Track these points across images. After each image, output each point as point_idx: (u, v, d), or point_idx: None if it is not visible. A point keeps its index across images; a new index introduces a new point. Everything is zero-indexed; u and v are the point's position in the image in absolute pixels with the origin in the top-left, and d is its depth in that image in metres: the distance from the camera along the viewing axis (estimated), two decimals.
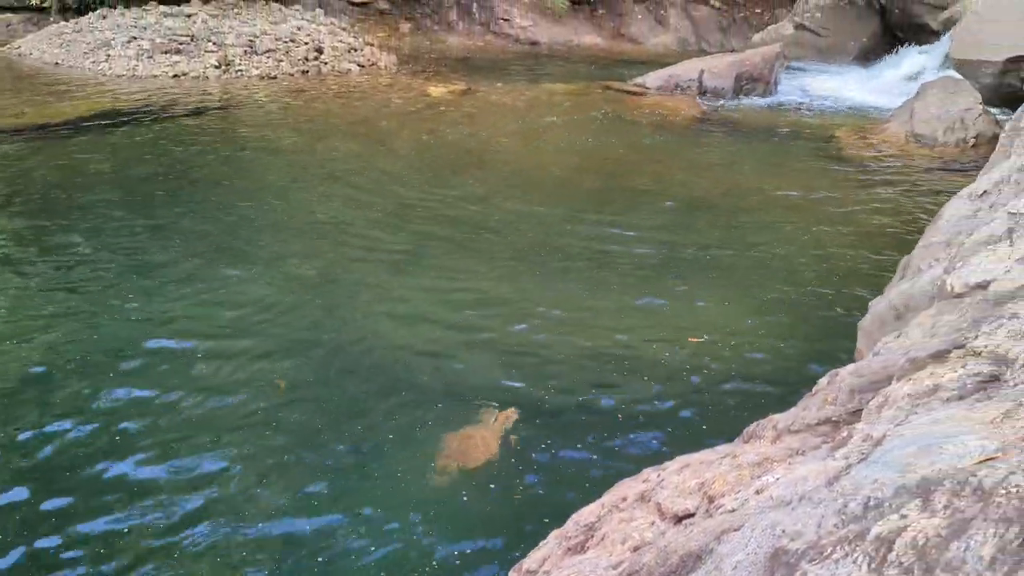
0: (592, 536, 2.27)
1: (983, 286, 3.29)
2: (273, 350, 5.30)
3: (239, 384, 4.90)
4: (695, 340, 5.55)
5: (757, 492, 1.88)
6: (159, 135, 10.55)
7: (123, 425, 4.45)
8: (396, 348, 5.38)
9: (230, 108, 12.23)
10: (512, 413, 4.64)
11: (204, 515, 3.81)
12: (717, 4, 21.86)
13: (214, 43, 15.50)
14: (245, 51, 15.37)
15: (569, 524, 2.39)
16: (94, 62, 14.71)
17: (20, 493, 3.93)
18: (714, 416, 4.69)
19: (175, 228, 7.36)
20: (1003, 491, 1.32)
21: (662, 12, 21.53)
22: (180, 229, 7.34)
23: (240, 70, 14.86)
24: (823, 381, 2.63)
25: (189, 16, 16.89)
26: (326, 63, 15.67)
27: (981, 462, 1.46)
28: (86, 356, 5.15)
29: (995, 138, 9.70)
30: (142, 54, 14.84)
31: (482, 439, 4.41)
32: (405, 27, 20.36)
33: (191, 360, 5.15)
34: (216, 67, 14.75)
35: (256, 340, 5.42)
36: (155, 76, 14.25)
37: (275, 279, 6.38)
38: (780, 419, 2.55)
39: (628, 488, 2.54)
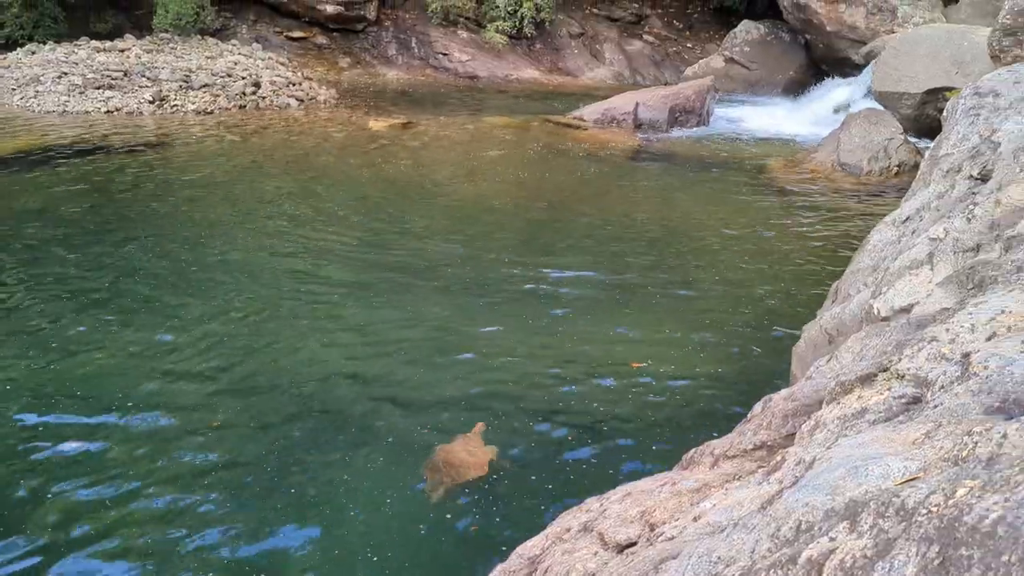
0: (536, 569, 2.28)
1: (907, 310, 3.42)
2: (209, 390, 5.19)
3: (174, 426, 4.78)
4: (637, 365, 5.63)
5: (695, 519, 1.91)
6: (91, 172, 10.33)
7: (55, 460, 4.30)
8: (335, 385, 5.32)
9: (165, 144, 12.05)
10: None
11: (132, 559, 3.70)
12: (650, 39, 22.44)
13: (148, 78, 15.29)
14: (180, 86, 15.19)
15: (512, 558, 2.40)
16: (23, 98, 14.35)
17: None
18: (656, 442, 4.74)
19: (106, 267, 7.18)
20: (924, 511, 1.37)
21: (598, 47, 22.00)
22: (112, 268, 7.17)
23: (176, 105, 14.67)
24: (757, 407, 2.70)
25: (122, 51, 16.65)
26: (264, 98, 15.57)
27: (904, 483, 1.52)
28: (12, 395, 4.97)
29: (916, 166, 10.12)
30: (73, 90, 14.54)
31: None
32: (344, 61, 20.38)
33: (124, 399, 5.01)
34: (151, 102, 14.53)
35: (192, 380, 5.31)
36: (87, 112, 13.97)
37: (211, 317, 6.26)
38: (717, 445, 2.60)
39: (572, 518, 2.55)
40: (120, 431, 4.72)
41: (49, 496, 4.12)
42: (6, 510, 4.01)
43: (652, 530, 2.10)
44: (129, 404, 5.00)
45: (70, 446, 4.56)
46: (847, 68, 16.95)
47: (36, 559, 3.69)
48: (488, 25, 20.78)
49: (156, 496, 4.16)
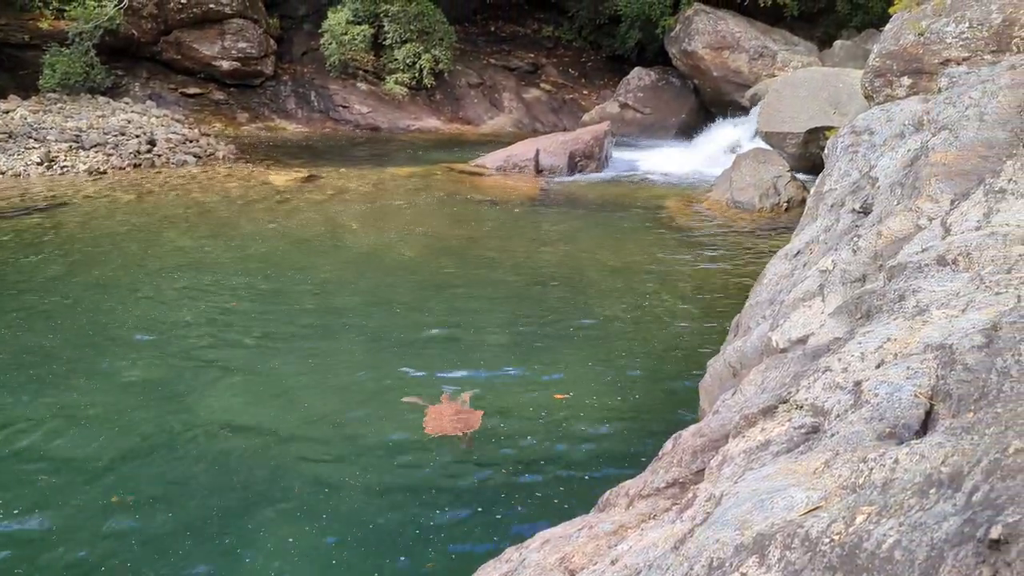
0: None
1: (803, 340, 3.56)
2: (113, 463, 4.95)
3: (73, 503, 4.53)
4: (561, 397, 5.74)
5: (612, 562, 1.93)
6: None
7: None
8: (241, 446, 5.15)
9: (57, 206, 11.57)
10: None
11: None
12: (547, 87, 23.01)
13: (35, 139, 14.71)
14: (71, 146, 14.67)
15: None
16: None
17: None
18: (571, 483, 4.75)
19: None
20: (827, 539, 1.42)
21: (496, 96, 22.41)
22: (2, 339, 6.79)
23: (66, 166, 14.13)
24: (668, 444, 2.75)
25: (6, 112, 15.97)
26: (160, 156, 15.17)
27: (807, 512, 1.58)
28: None
29: (804, 201, 10.62)
30: None
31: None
32: (242, 116, 20.11)
33: (29, 479, 4.72)
34: (39, 164, 13.96)
35: (95, 455, 5.05)
36: None
37: (108, 383, 5.99)
38: (631, 485, 2.63)
39: (492, 570, 2.53)
40: (10, 501, 4.44)
41: None
42: None
43: None
44: (18, 475, 4.71)
45: None
46: (735, 110, 17.77)
47: None
48: (387, 77, 20.91)
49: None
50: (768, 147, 13.23)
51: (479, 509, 4.54)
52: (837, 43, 18.40)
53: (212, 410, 5.65)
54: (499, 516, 4.48)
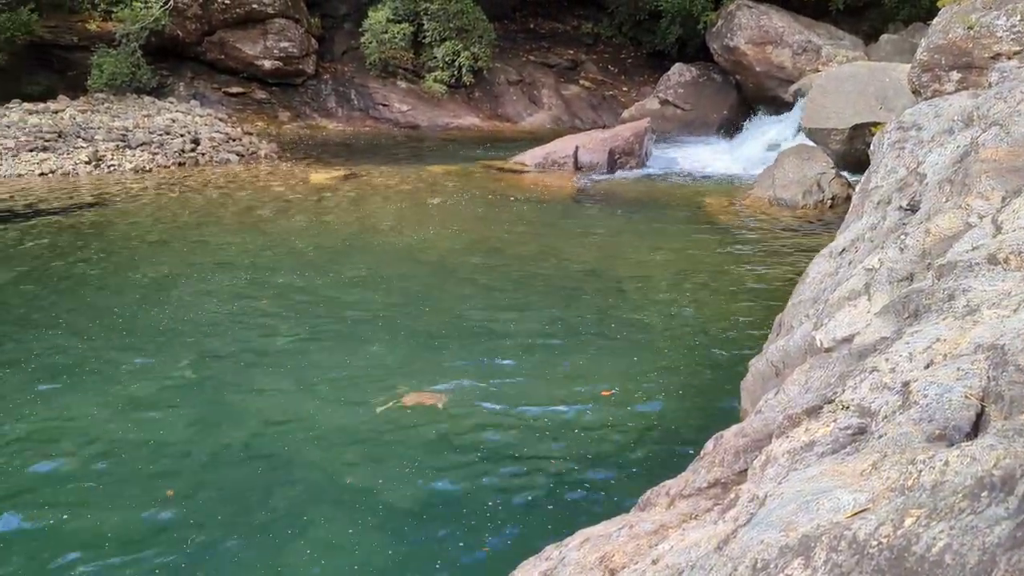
0: None
1: (848, 340, 3.50)
2: (159, 457, 5.05)
3: (127, 499, 4.63)
4: (608, 393, 5.72)
5: (654, 562, 1.91)
6: (27, 236, 10.08)
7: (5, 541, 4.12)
8: (288, 441, 5.22)
9: (103, 204, 11.83)
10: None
11: None
12: (587, 84, 22.93)
13: (84, 139, 15.06)
14: (117, 145, 14.98)
15: None
16: None
17: None
18: (611, 483, 4.74)
19: (48, 334, 6.97)
20: (875, 542, 1.40)
21: (535, 92, 22.39)
22: (54, 335, 6.96)
23: (113, 165, 14.45)
24: (710, 444, 2.73)
25: (56, 112, 16.38)
26: (204, 154, 15.43)
27: (854, 515, 1.55)
28: None
29: (848, 199, 10.45)
30: (5, 153, 14.22)
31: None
32: (284, 115, 20.36)
33: (66, 478, 4.84)
34: (87, 163, 14.29)
35: (139, 447, 5.15)
36: (20, 175, 13.66)
37: (156, 381, 6.11)
38: (672, 485, 2.61)
39: (531, 568, 2.53)
40: (67, 498, 4.55)
41: None
42: None
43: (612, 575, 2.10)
44: (72, 473, 4.83)
45: (11, 519, 4.38)
46: (777, 106, 17.53)
47: None
48: (427, 75, 21.00)
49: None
50: (812, 143, 13.03)
51: (520, 505, 4.55)
52: (883, 37, 18.06)
53: (254, 404, 5.73)
54: (540, 512, 4.48)
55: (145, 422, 5.47)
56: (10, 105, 16.70)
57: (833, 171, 11.88)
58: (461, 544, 4.21)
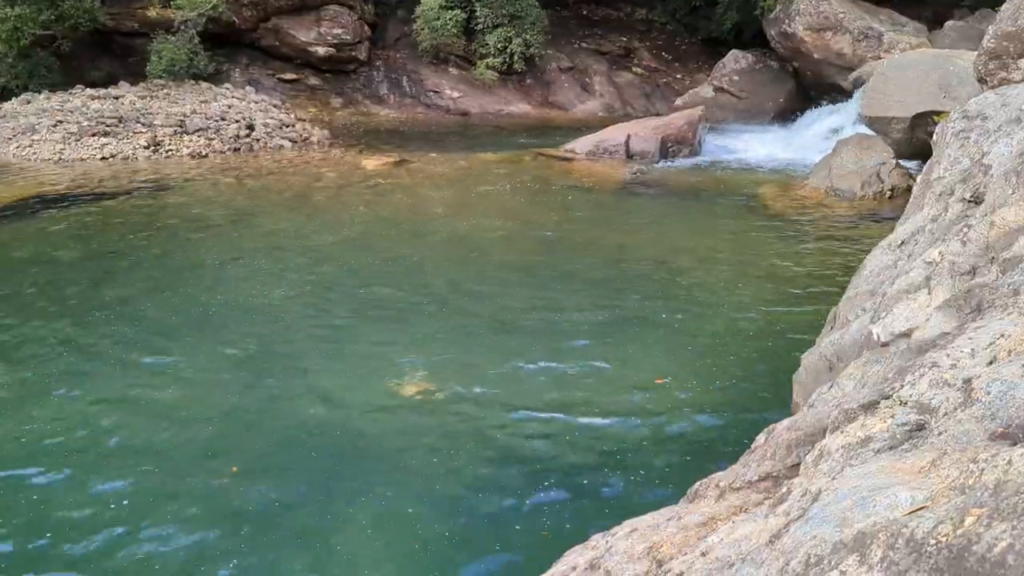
0: None
1: (907, 335, 3.42)
2: (217, 434, 5.17)
3: (188, 470, 4.75)
4: (661, 380, 5.71)
5: (703, 554, 1.89)
6: (90, 219, 10.36)
7: (72, 522, 4.26)
8: (343, 423, 5.29)
9: (161, 188, 12.11)
10: None
11: None
12: (640, 71, 22.69)
13: (143, 124, 15.40)
14: (175, 131, 15.30)
15: None
16: (18, 147, 14.44)
17: None
18: (659, 475, 4.71)
19: (109, 313, 7.17)
20: (933, 541, 1.36)
21: (587, 80, 22.23)
22: (115, 314, 7.16)
23: (170, 150, 14.76)
24: (760, 437, 2.69)
25: (117, 98, 16.78)
26: (258, 140, 15.67)
27: (911, 513, 1.51)
28: (20, 446, 4.93)
29: (909, 189, 10.18)
30: (69, 138, 14.63)
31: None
32: (336, 102, 20.56)
33: (129, 450, 4.98)
34: (146, 148, 14.62)
35: (199, 424, 5.28)
36: (83, 159, 14.05)
37: (212, 360, 6.25)
38: (722, 477, 2.58)
39: (578, 556, 2.53)
40: (130, 475, 4.69)
41: (66, 538, 4.08)
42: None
43: (660, 566, 2.08)
44: (135, 451, 4.97)
45: (81, 496, 4.52)
46: (836, 94, 17.12)
47: None
48: (478, 62, 20.99)
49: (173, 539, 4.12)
50: (871, 133, 12.71)
51: (568, 492, 4.55)
52: (948, 23, 17.50)
53: (308, 384, 5.83)
54: (587, 500, 4.48)
55: (198, 401, 5.60)
56: (73, 91, 17.16)
57: (893, 161, 11.57)
58: (505, 527, 4.23)
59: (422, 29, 20.46)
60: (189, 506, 4.43)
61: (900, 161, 11.81)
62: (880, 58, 15.99)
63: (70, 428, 5.22)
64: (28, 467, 4.78)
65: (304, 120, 17.60)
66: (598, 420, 5.33)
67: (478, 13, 20.55)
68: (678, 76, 22.77)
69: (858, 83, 15.28)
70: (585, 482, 4.66)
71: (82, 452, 4.96)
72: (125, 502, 4.46)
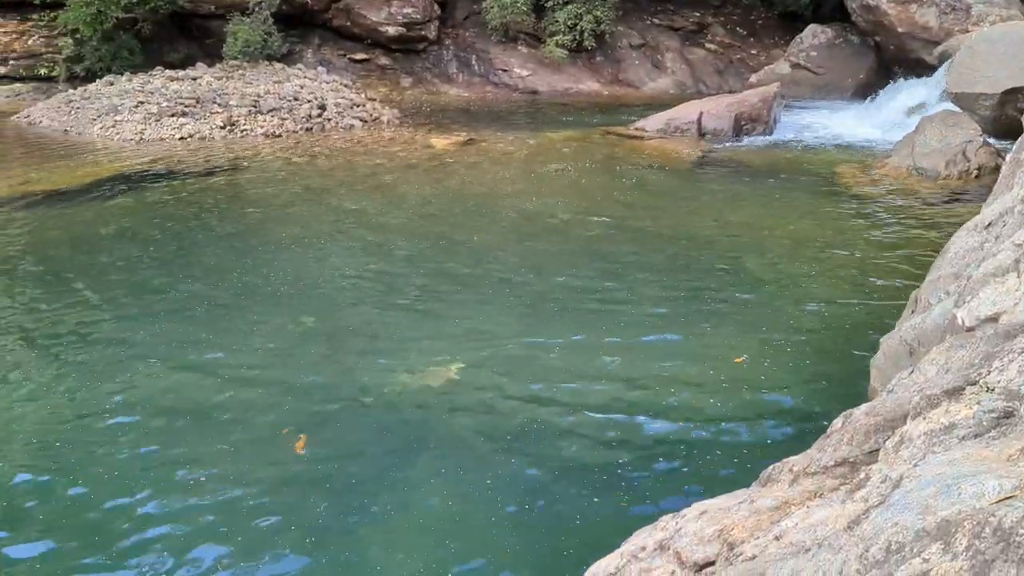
0: None
1: (994, 319, 3.28)
2: (289, 406, 5.30)
3: (259, 442, 4.89)
4: (739, 360, 5.66)
5: (776, 538, 1.86)
6: (168, 197, 10.69)
7: (146, 483, 4.44)
8: (413, 404, 5.36)
9: (236, 168, 12.40)
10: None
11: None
12: (713, 47, 22.20)
13: (219, 104, 15.77)
14: (250, 111, 15.63)
15: None
16: (102, 128, 14.97)
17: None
18: (729, 459, 4.64)
19: (185, 289, 7.40)
20: (1022, 530, 1.31)
21: (659, 56, 21.86)
22: (189, 290, 7.38)
23: (245, 130, 15.09)
24: (838, 422, 2.62)
25: (195, 79, 17.22)
26: (329, 120, 15.90)
27: (999, 501, 1.45)
28: (96, 416, 5.15)
29: (997, 169, 9.74)
30: (149, 118, 15.09)
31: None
32: (406, 81, 20.69)
33: (208, 420, 5.14)
34: (222, 128, 14.99)
35: (272, 396, 5.42)
36: (162, 139, 14.48)
37: (287, 336, 6.40)
38: (796, 461, 2.52)
39: (647, 536, 2.51)
40: (202, 443, 4.85)
41: (142, 500, 4.25)
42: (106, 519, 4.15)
43: (731, 549, 2.05)
44: (211, 419, 5.13)
45: (154, 453, 4.70)
46: (920, 69, 16.46)
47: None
48: (548, 40, 20.83)
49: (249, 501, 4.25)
50: (957, 109, 12.18)
51: (638, 472, 4.53)
52: None
53: (375, 362, 5.92)
54: (657, 480, 4.46)
55: (268, 376, 5.74)
56: (154, 72, 17.67)
57: (980, 139, 11.08)
58: (572, 509, 4.24)
59: (491, 7, 20.38)
60: (265, 473, 4.55)
61: (988, 139, 11.31)
62: (968, 31, 15.28)
63: (142, 399, 5.42)
64: (117, 437, 4.98)
65: (374, 100, 17.77)
66: (668, 400, 5.28)
67: None
68: (753, 52, 22.19)
69: (944, 58, 14.65)
70: (656, 463, 4.63)
71: (159, 418, 5.14)
72: (202, 476, 4.61)
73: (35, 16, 19.41)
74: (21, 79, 19.41)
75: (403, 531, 4.09)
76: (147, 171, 12.09)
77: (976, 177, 10.61)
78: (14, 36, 19.30)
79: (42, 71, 19.32)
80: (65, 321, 6.69)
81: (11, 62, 19.31)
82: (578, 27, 20.41)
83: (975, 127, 11.38)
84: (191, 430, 5.04)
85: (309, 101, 16.31)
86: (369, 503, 4.31)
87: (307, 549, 3.97)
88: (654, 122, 14.78)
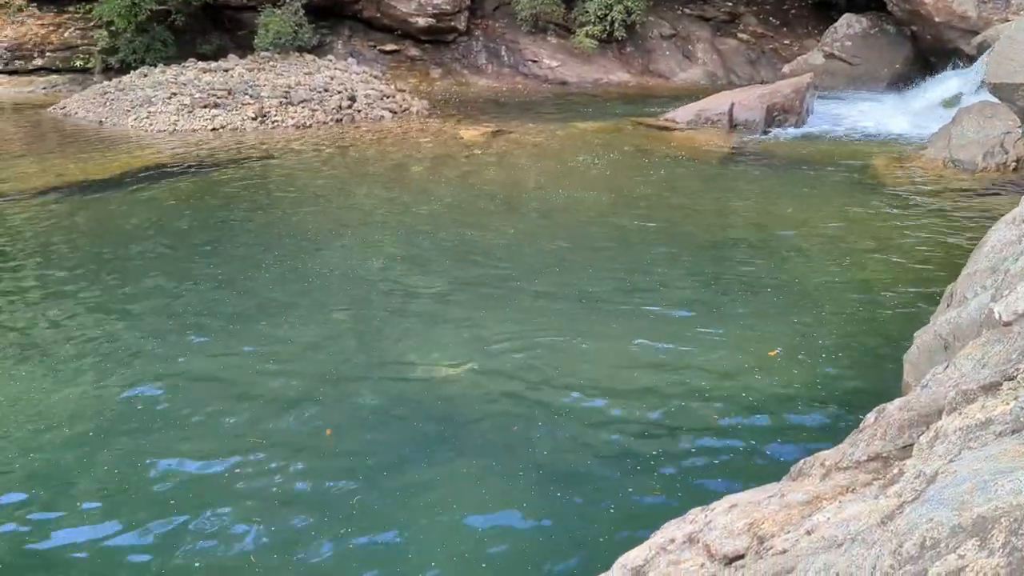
0: None
1: None
2: (316, 398, 5.34)
3: (288, 434, 4.94)
4: (773, 354, 5.66)
5: (808, 532, 1.84)
6: (199, 188, 10.81)
7: (185, 476, 4.51)
8: (438, 395, 5.38)
9: (268, 158, 12.50)
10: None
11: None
12: (745, 37, 21.96)
13: (250, 96, 15.90)
14: (280, 102, 15.74)
15: (615, 569, 2.36)
16: (136, 119, 15.15)
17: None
18: (759, 452, 4.61)
19: (215, 280, 7.48)
20: None
21: (690, 47, 21.67)
22: (221, 281, 7.46)
23: (276, 121, 15.20)
24: (870, 417, 2.58)
25: (227, 71, 17.37)
26: (359, 111, 15.97)
27: None
28: (133, 409, 5.23)
29: None
30: (182, 109, 15.26)
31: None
32: (435, 72, 20.71)
33: (237, 413, 5.20)
34: (253, 119, 15.11)
35: (299, 388, 5.47)
36: (195, 130, 14.64)
37: (316, 327, 6.44)
38: (828, 456, 2.50)
39: (675, 529, 2.50)
40: (234, 435, 4.91)
41: (170, 486, 4.31)
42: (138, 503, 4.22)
43: (761, 543, 2.04)
44: (243, 410, 5.19)
45: (189, 445, 4.76)
46: (957, 60, 16.16)
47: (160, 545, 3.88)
48: (578, 30, 20.73)
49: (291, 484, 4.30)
50: (996, 100, 11.93)
51: (669, 463, 4.52)
52: None
53: (404, 352, 5.94)
54: (687, 473, 4.44)
55: (299, 363, 5.79)
56: (186, 64, 17.85)
57: (1019, 130, 10.86)
58: (602, 498, 4.23)
59: None
60: (300, 454, 4.60)
61: None
62: (1007, 20, 14.96)
63: (177, 387, 5.49)
64: (146, 431, 5.06)
65: (404, 91, 17.81)
66: (700, 392, 5.25)
67: None
68: (786, 42, 21.92)
69: (983, 47, 14.37)
70: (687, 456, 4.61)
71: (188, 407, 5.21)
72: (223, 450, 4.67)
73: (71, 9, 19.71)
74: (57, 71, 19.73)
75: (434, 518, 4.11)
76: (180, 162, 12.23)
77: (1014, 169, 10.41)
78: (51, 28, 19.61)
79: (78, 63, 19.62)
80: (95, 310, 6.79)
81: (47, 54, 19.63)
82: (608, 17, 20.29)
83: (1014, 118, 11.14)
84: (222, 419, 5.10)
85: (339, 92, 16.39)
86: (401, 491, 4.33)
87: (341, 535, 4.01)
88: (684, 113, 14.67)
